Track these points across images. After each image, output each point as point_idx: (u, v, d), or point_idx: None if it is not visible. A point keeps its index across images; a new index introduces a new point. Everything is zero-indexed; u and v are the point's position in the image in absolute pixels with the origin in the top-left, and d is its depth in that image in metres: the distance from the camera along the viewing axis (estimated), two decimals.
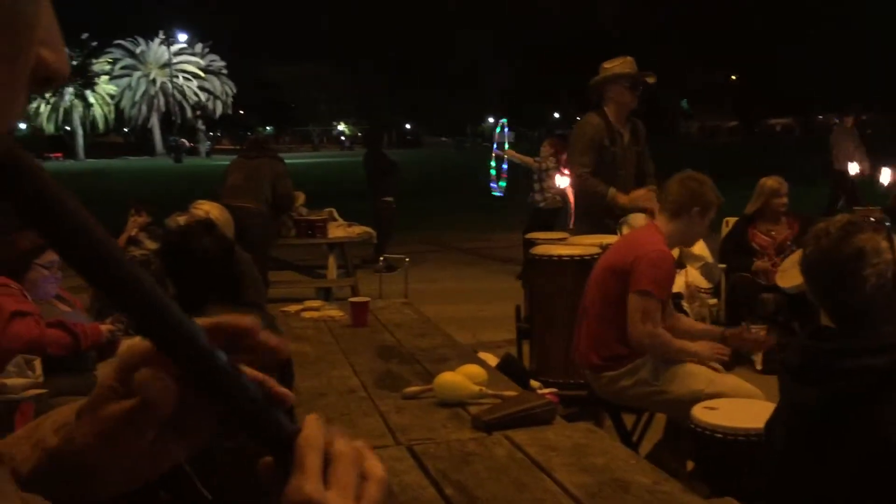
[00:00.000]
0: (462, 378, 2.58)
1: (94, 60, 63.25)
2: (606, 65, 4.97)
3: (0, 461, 0.56)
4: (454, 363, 2.89)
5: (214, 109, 72.30)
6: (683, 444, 3.16)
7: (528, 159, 9.36)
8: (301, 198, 7.34)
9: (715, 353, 3.30)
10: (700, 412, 2.85)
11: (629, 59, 4.96)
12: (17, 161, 0.44)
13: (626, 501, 1.87)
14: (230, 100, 73.45)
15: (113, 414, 0.57)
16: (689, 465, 3.18)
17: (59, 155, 57.59)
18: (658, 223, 3.41)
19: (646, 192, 4.68)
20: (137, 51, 69.66)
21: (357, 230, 7.47)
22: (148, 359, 0.57)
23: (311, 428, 0.55)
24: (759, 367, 5.24)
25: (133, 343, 0.59)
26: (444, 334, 3.61)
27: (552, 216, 8.58)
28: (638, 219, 4.79)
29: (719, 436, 2.73)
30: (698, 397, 3.04)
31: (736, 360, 5.21)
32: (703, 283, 5.49)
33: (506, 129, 11.72)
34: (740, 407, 2.92)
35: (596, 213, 4.93)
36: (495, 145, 11.69)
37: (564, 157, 9.90)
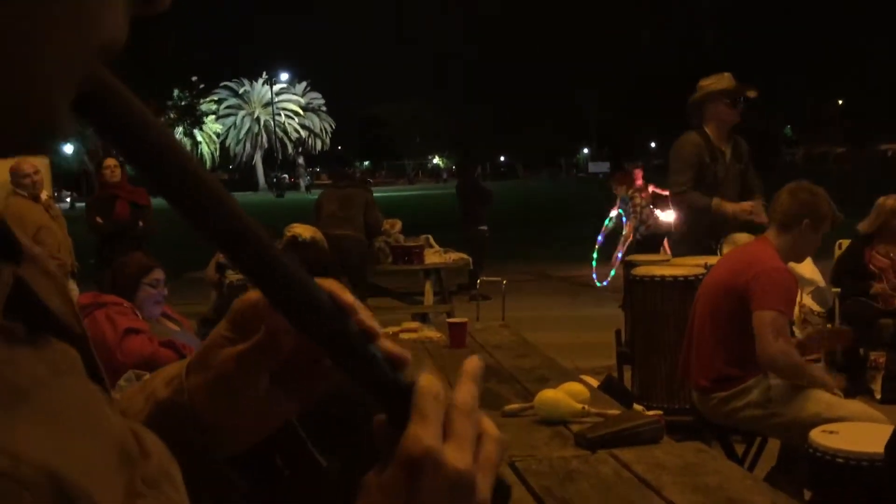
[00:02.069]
0: (564, 395, 2.50)
1: (201, 101, 66.24)
2: (704, 82, 4.85)
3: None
4: (555, 383, 2.81)
5: (314, 145, 74.51)
6: (800, 470, 2.98)
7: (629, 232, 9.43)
8: (398, 225, 7.42)
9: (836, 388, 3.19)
10: (819, 435, 2.68)
11: (727, 74, 4.82)
12: (104, 89, 0.41)
13: None
14: (329, 136, 75.60)
15: (229, 355, 0.57)
16: (807, 495, 2.99)
17: None
18: (768, 236, 3.26)
19: (756, 202, 4.49)
20: (241, 91, 72.65)
21: (453, 256, 7.48)
22: (261, 309, 0.56)
23: (430, 378, 0.51)
24: (878, 395, 4.95)
25: (247, 295, 0.58)
26: (543, 355, 3.52)
27: (655, 239, 8.53)
28: (742, 238, 4.60)
29: (840, 460, 2.56)
30: (816, 421, 2.87)
31: (855, 390, 4.93)
32: (816, 308, 5.23)
33: (623, 219, 10.01)
34: (862, 431, 2.74)
35: (696, 235, 4.77)
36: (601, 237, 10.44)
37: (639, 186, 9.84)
